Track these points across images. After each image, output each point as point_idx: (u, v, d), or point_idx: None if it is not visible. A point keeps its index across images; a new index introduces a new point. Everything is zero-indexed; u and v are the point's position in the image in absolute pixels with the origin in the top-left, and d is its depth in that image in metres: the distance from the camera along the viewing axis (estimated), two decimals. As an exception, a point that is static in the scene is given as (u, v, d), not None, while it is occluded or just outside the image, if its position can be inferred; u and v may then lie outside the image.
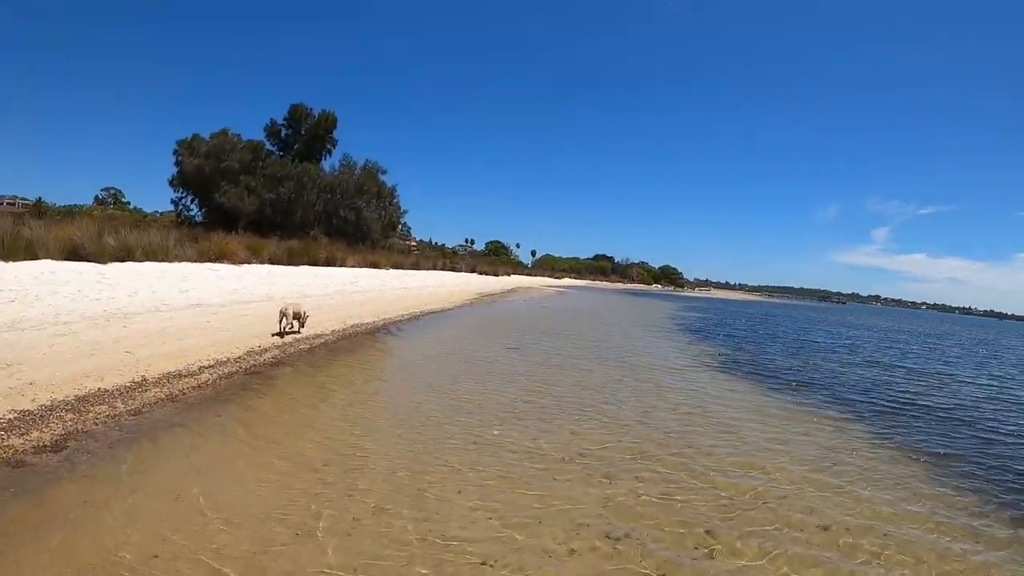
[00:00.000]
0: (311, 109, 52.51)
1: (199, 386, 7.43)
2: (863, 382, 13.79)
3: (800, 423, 8.89)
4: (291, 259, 26.06)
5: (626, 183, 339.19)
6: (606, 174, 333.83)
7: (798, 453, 7.27)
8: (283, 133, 52.79)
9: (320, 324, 12.79)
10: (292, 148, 52.04)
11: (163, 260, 18.03)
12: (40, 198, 52.45)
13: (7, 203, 63.17)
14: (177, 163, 47.33)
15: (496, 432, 6.95)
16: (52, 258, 14.77)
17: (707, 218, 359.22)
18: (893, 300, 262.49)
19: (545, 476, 5.67)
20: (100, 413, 6.09)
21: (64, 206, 54.09)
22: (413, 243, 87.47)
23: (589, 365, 12.44)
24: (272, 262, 24.75)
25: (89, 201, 72.02)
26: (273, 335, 10.90)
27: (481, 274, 59.14)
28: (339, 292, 19.61)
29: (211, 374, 7.95)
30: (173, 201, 48.61)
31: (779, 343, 22.84)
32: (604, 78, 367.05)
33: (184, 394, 7.11)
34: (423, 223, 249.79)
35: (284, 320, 11.18)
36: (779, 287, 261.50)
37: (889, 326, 53.27)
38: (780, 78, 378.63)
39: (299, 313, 11.68)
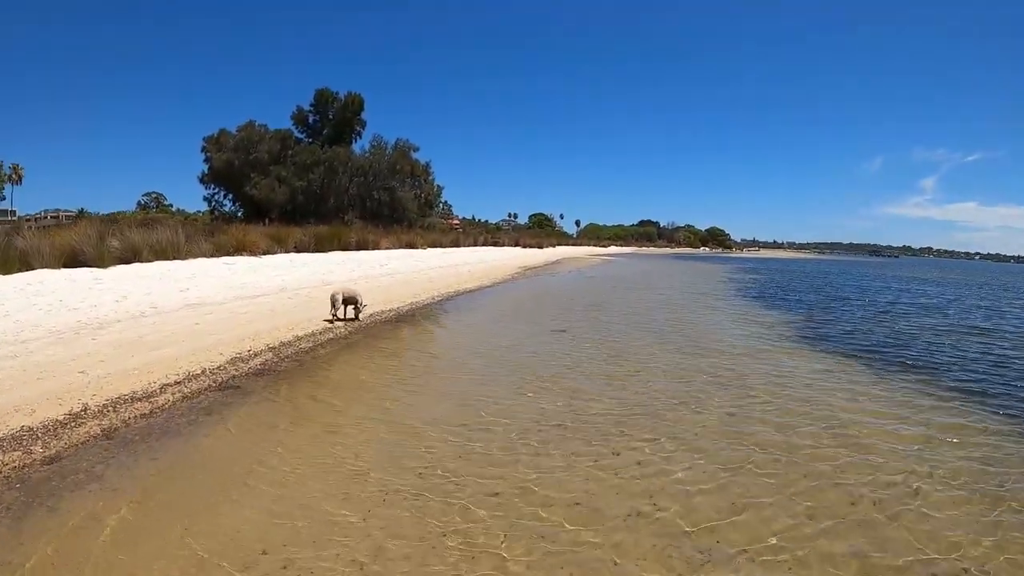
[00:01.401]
0: (337, 93, 51.07)
1: (150, 412, 5.73)
2: (984, 356, 10.89)
3: (952, 428, 6.32)
4: (318, 246, 24.59)
5: (668, 148, 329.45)
6: (648, 140, 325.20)
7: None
8: (310, 119, 51.63)
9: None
10: (321, 134, 50.88)
11: (174, 258, 16.72)
12: (82, 209, 52.99)
13: (51, 216, 64.16)
14: (206, 159, 46.99)
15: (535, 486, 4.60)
16: (49, 267, 13.53)
17: (751, 178, 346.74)
18: (946, 251, 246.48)
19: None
20: (8, 464, 4.51)
21: (107, 214, 54.68)
22: (456, 221, 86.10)
23: (650, 348, 10.23)
24: (298, 250, 23.35)
25: (132, 207, 73.09)
26: (324, 320, 10.63)
27: (525, 247, 56.99)
28: (366, 276, 17.91)
29: (173, 394, 6.25)
30: (206, 198, 48.46)
31: (852, 307, 19.68)
32: (642, 42, 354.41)
33: (127, 425, 5.44)
34: (466, 202, 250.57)
35: (335, 306, 10.82)
36: (828, 243, 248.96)
37: (954, 279, 48.20)
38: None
39: (354, 298, 11.06)
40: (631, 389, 7.40)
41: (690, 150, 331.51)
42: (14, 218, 64.12)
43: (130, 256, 15.71)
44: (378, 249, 29.42)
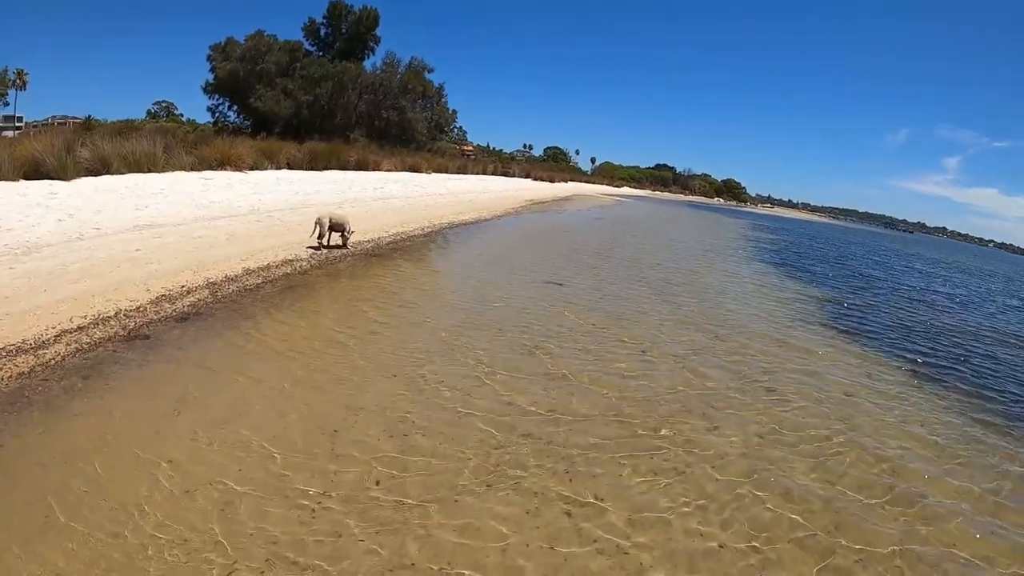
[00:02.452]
0: (352, 6, 47.87)
1: (29, 371, 4.75)
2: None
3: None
4: (312, 163, 23.12)
5: (689, 94, 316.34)
6: (669, 82, 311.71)
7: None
8: (322, 32, 48.75)
9: (299, 242, 10.07)
10: (332, 48, 48.17)
11: (150, 171, 15.51)
12: (90, 116, 51.45)
13: (58, 123, 62.67)
14: (212, 69, 44.84)
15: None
16: (7, 179, 12.40)
17: (772, 134, 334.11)
18: (959, 234, 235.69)
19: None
20: None
21: (116, 121, 53.07)
22: (469, 148, 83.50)
23: (658, 317, 9.05)
24: (291, 167, 21.95)
25: (142, 115, 71.16)
26: (308, 248, 9.98)
27: (536, 180, 54.90)
28: (355, 200, 16.65)
29: (68, 344, 5.26)
30: (209, 108, 46.61)
31: (881, 290, 17.42)
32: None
33: (-10, 388, 4.47)
34: (481, 128, 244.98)
35: (319, 230, 10.16)
36: (842, 209, 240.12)
37: (980, 267, 44.26)
38: None
39: (342, 224, 10.47)
40: (631, 384, 6.16)
41: (713, 101, 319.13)
42: (20, 124, 62.74)
43: (100, 168, 14.52)
44: (378, 170, 27.91)
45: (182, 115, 78.37)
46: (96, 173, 14.32)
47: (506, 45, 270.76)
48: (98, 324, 5.76)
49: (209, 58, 44.81)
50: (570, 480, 4.12)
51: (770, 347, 8.26)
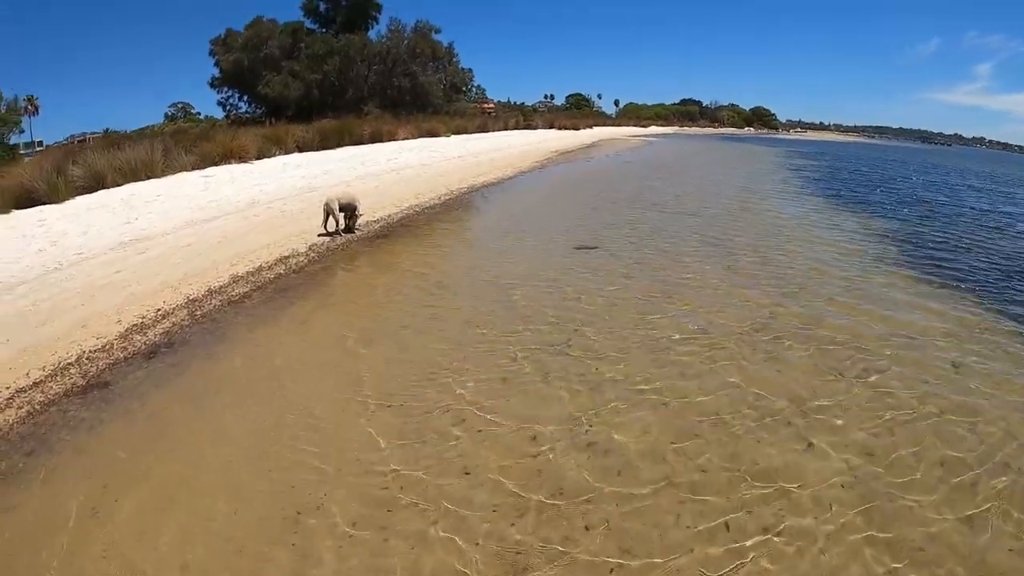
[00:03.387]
0: (348, -24, 45.97)
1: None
2: None
3: None
4: (324, 142, 22.04)
5: (710, 23, 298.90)
6: (688, 13, 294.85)
7: None
8: (321, 7, 47.14)
9: (300, 233, 9.02)
10: (334, 23, 46.55)
11: (148, 177, 14.67)
12: (107, 129, 51.43)
13: (77, 141, 63.00)
14: (216, 63, 44.14)
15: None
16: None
17: (797, 56, 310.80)
18: (998, 143, 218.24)
19: None
20: None
21: (135, 130, 53.08)
22: (490, 105, 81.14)
23: (713, 282, 7.47)
24: (300, 149, 20.94)
25: (160, 120, 71.22)
26: (318, 235, 9.19)
27: (560, 129, 52.57)
28: (366, 175, 15.45)
29: (17, 408, 4.36)
30: (220, 102, 46.11)
31: (956, 219, 14.31)
32: None
33: None
34: (501, 84, 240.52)
35: (330, 218, 9.27)
36: (875, 127, 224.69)
37: None
38: None
39: (351, 204, 9.53)
40: (688, 378, 4.85)
41: (733, 27, 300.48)
42: (41, 148, 63.43)
43: (95, 184, 13.73)
44: (394, 140, 26.65)
45: (199, 113, 78.22)
46: (91, 190, 13.55)
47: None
48: (57, 375, 4.82)
49: (211, 52, 44.29)
50: None
51: (856, 316, 6.46)
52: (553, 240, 9.87)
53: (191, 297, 6.44)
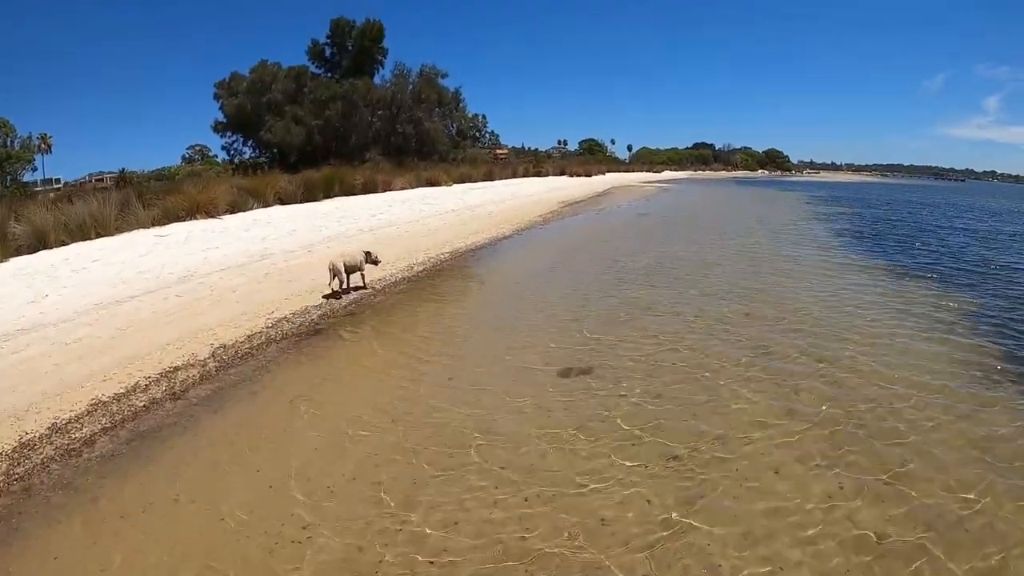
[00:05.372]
0: (354, 21, 45.66)
1: None
2: None
3: None
4: (308, 194, 20.61)
5: (722, 69, 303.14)
6: (701, 61, 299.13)
7: None
8: (327, 52, 46.73)
9: (219, 324, 7.16)
10: (339, 67, 46.02)
11: (99, 235, 13.15)
12: (123, 169, 50.82)
13: (95, 180, 62.97)
14: (221, 107, 43.54)
15: None
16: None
17: (807, 98, 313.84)
18: (1010, 176, 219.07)
19: None
20: None
21: (153, 171, 52.74)
22: (503, 151, 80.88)
23: (773, 430, 4.90)
24: (282, 202, 19.48)
25: (177, 162, 70.95)
26: (324, 296, 8.95)
27: (572, 176, 51.33)
28: (335, 237, 13.55)
29: None
30: (224, 147, 45.47)
31: (1012, 273, 12.54)
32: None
33: None
34: (515, 131, 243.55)
35: (336, 279, 9.06)
36: (888, 165, 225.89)
37: None
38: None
39: (356, 264, 9.39)
40: None
41: (745, 72, 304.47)
42: (59, 185, 63.24)
43: (37, 243, 12.22)
44: (389, 191, 25.25)
45: (216, 156, 78.19)
46: (33, 249, 12.05)
47: (527, 43, 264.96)
48: None
49: (216, 96, 43.79)
50: None
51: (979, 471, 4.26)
52: (531, 354, 6.88)
53: (25, 440, 4.63)
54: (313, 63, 46.14)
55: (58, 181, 67.84)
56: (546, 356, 6.80)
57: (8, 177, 51.72)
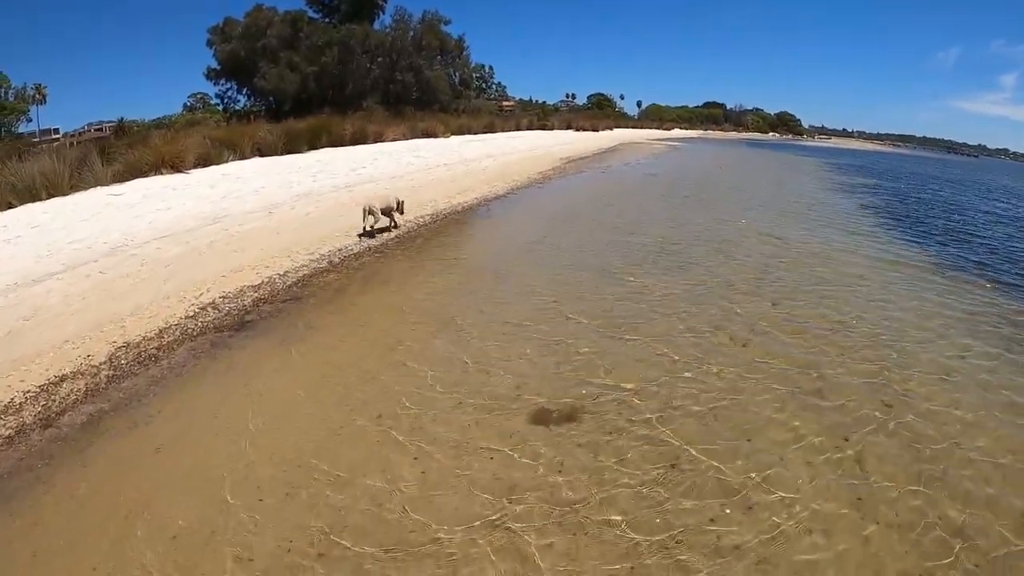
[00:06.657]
0: (355, -37, 43.08)
1: None
2: None
3: None
4: (291, 145, 19.26)
5: (734, 27, 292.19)
6: (712, 13, 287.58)
7: None
8: (325, -3, 44.17)
9: (120, 317, 6.06)
10: (338, 12, 43.72)
11: (51, 195, 12.05)
12: (122, 118, 49.22)
13: (94, 129, 61.54)
14: (214, 53, 41.74)
15: None
16: None
17: (819, 61, 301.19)
18: (1022, 155, 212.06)
19: None
20: None
21: (153, 120, 51.13)
22: (510, 103, 78.16)
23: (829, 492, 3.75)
24: (262, 153, 18.19)
25: (179, 110, 68.98)
26: (359, 235, 9.68)
27: (578, 130, 49.29)
28: (309, 194, 12.43)
29: None
30: (218, 95, 43.81)
31: None
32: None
33: None
34: (523, 83, 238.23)
35: (372, 218, 9.85)
36: (900, 135, 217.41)
37: None
38: None
39: (389, 207, 10.24)
40: None
41: (758, 30, 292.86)
42: (58, 135, 61.77)
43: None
44: (380, 141, 23.82)
45: (218, 104, 75.95)
46: (-25, 212, 11.02)
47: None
48: None
49: (209, 42, 41.95)
50: None
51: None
52: (501, 382, 5.14)
53: None
54: (311, 7, 43.94)
55: (56, 131, 66.29)
56: (524, 374, 5.28)
57: (2, 129, 50.43)
